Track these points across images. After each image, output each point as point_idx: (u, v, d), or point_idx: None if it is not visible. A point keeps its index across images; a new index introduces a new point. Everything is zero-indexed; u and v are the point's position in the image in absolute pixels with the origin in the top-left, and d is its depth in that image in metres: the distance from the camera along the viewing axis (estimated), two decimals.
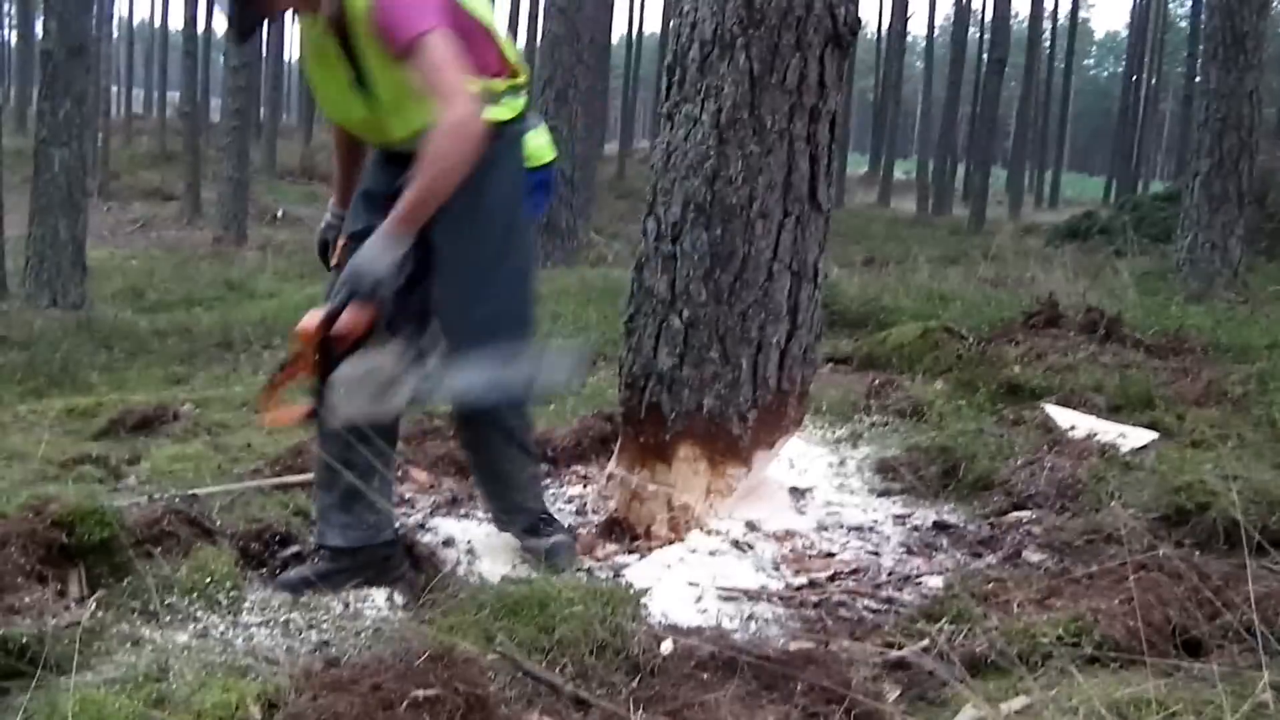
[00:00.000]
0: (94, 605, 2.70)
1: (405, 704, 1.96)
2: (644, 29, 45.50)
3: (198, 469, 3.98)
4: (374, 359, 2.56)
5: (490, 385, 2.37)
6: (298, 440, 3.86)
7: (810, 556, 3.37)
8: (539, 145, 2.97)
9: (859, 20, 3.50)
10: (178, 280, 10.10)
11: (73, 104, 9.04)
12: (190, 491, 3.40)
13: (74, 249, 9.01)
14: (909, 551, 3.45)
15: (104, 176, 19.30)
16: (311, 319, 2.56)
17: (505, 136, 2.77)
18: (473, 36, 2.67)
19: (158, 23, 51.95)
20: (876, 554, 3.42)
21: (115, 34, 38.39)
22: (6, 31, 40.89)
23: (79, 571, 2.80)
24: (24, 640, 2.36)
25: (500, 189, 2.76)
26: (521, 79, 2.85)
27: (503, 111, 2.78)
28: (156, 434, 4.70)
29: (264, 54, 31.51)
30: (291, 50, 46.68)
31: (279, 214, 20.22)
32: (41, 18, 10.09)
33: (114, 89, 37.00)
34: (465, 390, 2.41)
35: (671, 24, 3.65)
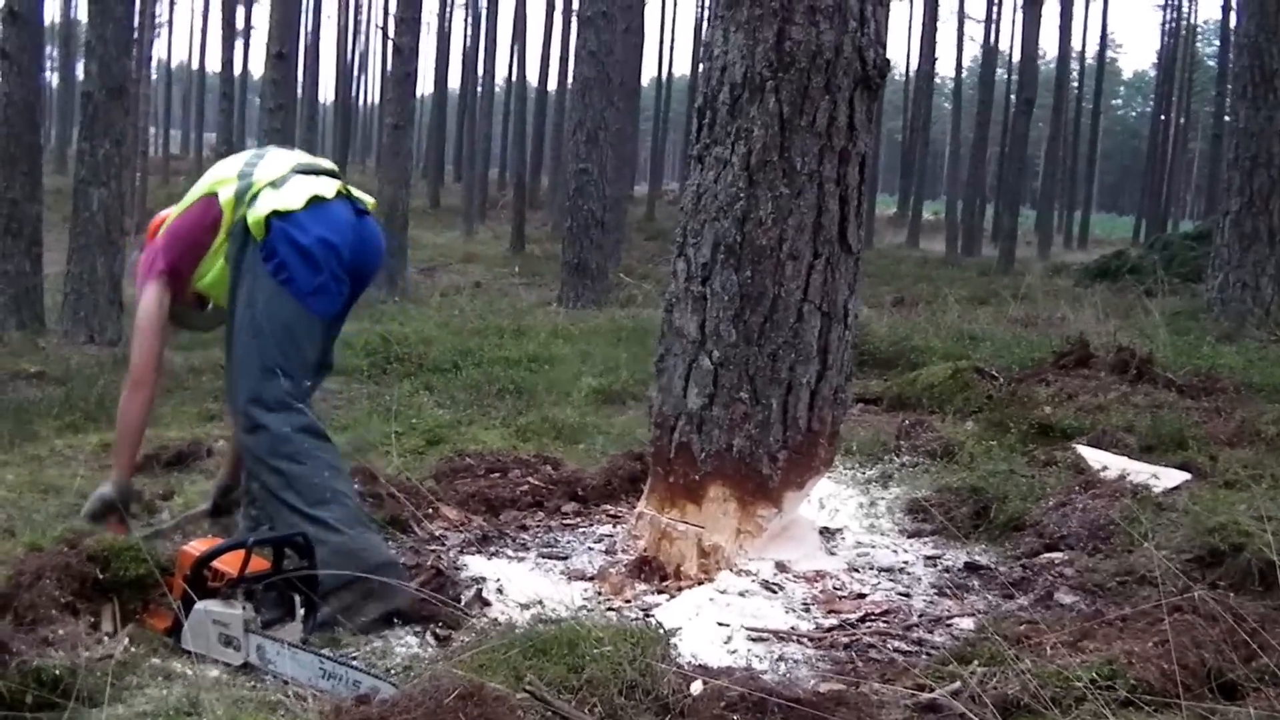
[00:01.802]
0: (126, 639, 2.73)
1: None
2: (673, 71, 45.91)
3: None
4: (223, 612, 2.71)
5: (312, 681, 2.53)
6: None
7: (841, 598, 3.35)
8: (263, 210, 3.15)
9: (888, 63, 3.52)
10: None
11: (112, 144, 9.19)
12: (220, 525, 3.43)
13: (110, 286, 9.13)
14: (940, 593, 3.42)
15: (141, 216, 19.56)
16: (195, 549, 2.83)
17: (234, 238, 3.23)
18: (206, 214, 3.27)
19: (195, 65, 52.98)
20: (907, 595, 3.40)
21: (154, 76, 39.11)
22: (48, 73, 41.89)
23: (112, 606, 2.83)
24: (57, 672, 2.40)
25: (245, 280, 3.20)
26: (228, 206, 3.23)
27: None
28: (190, 470, 4.73)
29: (299, 96, 32.00)
30: (326, 93, 47.44)
31: None
32: (82, 60, 10.29)
33: (152, 130, 37.66)
34: (290, 679, 2.56)
35: (701, 67, 3.68)
